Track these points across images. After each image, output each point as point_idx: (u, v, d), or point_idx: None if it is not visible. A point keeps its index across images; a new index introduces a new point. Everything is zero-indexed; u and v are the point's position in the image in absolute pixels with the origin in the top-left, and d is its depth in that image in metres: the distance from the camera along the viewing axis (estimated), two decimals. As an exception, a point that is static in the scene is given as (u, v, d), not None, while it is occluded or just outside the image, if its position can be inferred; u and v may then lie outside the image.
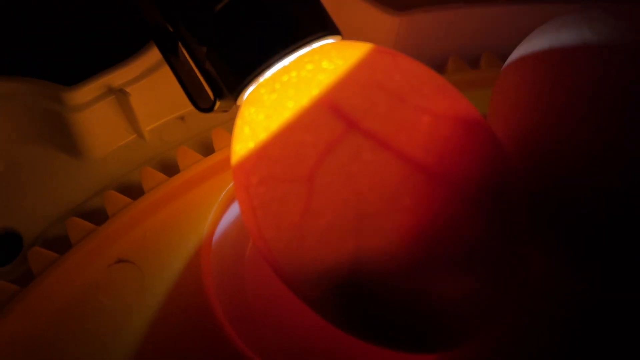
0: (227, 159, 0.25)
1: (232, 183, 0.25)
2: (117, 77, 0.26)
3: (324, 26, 0.18)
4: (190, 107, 0.27)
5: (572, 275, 0.21)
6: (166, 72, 0.25)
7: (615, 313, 0.22)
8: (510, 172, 0.17)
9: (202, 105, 0.20)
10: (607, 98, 0.17)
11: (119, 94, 0.26)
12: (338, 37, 0.19)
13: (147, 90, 0.27)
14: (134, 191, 0.26)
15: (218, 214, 0.25)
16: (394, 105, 0.16)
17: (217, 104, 0.20)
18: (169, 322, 0.22)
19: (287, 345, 0.23)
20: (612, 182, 0.17)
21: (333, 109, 0.16)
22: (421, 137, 0.16)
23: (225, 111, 0.20)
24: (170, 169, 0.27)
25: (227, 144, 0.26)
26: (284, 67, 0.18)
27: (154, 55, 0.26)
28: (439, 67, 0.30)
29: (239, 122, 0.18)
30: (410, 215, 0.15)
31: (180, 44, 0.20)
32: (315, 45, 0.18)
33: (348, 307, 0.16)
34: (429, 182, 0.15)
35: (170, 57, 0.20)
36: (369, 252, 0.15)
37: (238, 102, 0.19)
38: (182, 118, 0.29)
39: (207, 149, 0.27)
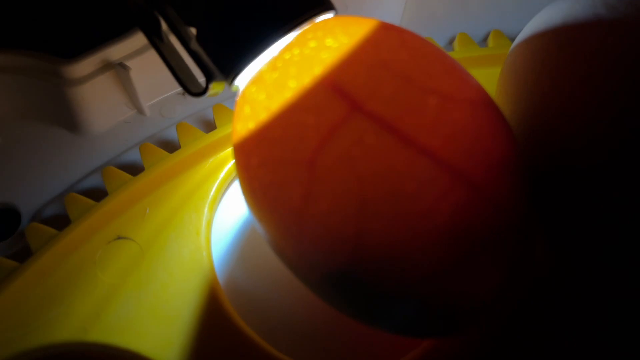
0: (229, 135, 0.25)
1: (233, 160, 0.24)
2: (117, 50, 0.25)
3: (322, 1, 0.18)
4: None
5: (575, 266, 0.21)
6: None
7: (614, 305, 0.22)
8: (519, 158, 0.17)
9: (194, 89, 0.19)
10: (623, 77, 0.17)
11: (119, 68, 0.25)
12: (335, 13, 0.18)
13: (148, 65, 0.26)
14: (133, 168, 0.26)
15: (219, 192, 0.24)
16: (400, 86, 0.15)
17: (210, 88, 0.19)
18: (170, 300, 0.22)
19: (289, 326, 0.22)
20: (627, 167, 0.17)
21: (336, 90, 0.16)
22: (427, 120, 0.15)
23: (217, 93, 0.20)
24: (170, 145, 0.26)
25: (229, 121, 0.25)
26: (287, 45, 0.17)
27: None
28: (447, 44, 0.30)
29: (239, 100, 0.18)
30: (413, 201, 0.15)
31: (167, 26, 0.19)
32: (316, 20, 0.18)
33: (348, 291, 0.16)
34: (433, 167, 0.15)
35: (156, 40, 0.20)
36: (370, 237, 0.15)
37: (234, 85, 0.18)
38: (183, 94, 0.28)
39: (208, 126, 0.26)
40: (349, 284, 0.16)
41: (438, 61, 0.17)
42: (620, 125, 0.16)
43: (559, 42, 0.18)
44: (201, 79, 0.19)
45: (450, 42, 0.29)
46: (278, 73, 0.17)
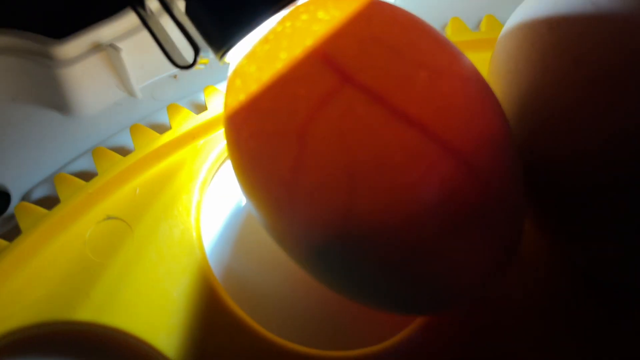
0: (220, 116, 0.25)
1: (224, 141, 0.24)
2: (108, 31, 0.25)
3: None
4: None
5: (566, 247, 0.21)
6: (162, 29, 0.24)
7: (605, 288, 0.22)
8: (509, 137, 0.17)
9: (181, 62, 0.19)
10: (613, 57, 0.17)
11: (110, 49, 0.25)
12: None
13: (140, 47, 0.26)
14: (124, 150, 0.26)
15: (210, 173, 0.24)
16: (391, 59, 0.16)
17: (197, 61, 0.19)
18: (159, 280, 0.22)
19: (279, 306, 0.22)
20: (614, 150, 0.16)
21: (327, 61, 0.16)
22: (416, 93, 0.15)
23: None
24: (162, 127, 0.26)
25: (220, 102, 0.25)
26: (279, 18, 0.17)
27: (148, 11, 0.25)
28: (439, 29, 0.30)
29: (231, 75, 0.18)
30: (401, 173, 0.15)
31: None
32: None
33: (338, 266, 0.16)
34: (422, 139, 0.15)
35: (141, 11, 0.19)
36: (359, 208, 0.15)
37: (224, 60, 0.18)
38: (175, 76, 0.28)
39: (200, 108, 0.26)
40: (338, 256, 0.16)
41: (430, 37, 0.17)
42: (611, 105, 0.16)
43: (549, 23, 0.18)
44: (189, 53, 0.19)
45: (443, 27, 0.29)
46: (269, 45, 0.17)
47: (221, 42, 0.18)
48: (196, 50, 0.18)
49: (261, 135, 0.16)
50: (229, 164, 0.25)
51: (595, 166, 0.17)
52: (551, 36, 0.18)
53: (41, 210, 0.23)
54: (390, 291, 0.16)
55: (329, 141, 0.15)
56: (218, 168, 0.25)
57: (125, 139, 0.26)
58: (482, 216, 0.16)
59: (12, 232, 0.24)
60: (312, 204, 0.15)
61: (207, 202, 0.24)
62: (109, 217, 0.23)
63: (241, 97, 0.17)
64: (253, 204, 0.17)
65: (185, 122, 0.25)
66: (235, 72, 0.17)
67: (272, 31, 0.17)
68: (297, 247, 0.17)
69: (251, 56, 0.17)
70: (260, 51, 0.17)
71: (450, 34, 0.28)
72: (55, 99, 0.27)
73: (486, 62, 0.22)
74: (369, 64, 0.15)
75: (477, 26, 0.29)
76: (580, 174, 0.18)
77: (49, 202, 0.24)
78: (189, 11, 0.18)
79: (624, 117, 0.16)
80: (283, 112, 0.16)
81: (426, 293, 0.17)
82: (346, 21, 0.16)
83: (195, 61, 0.19)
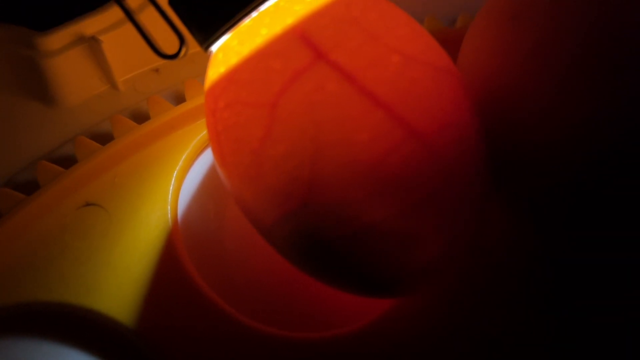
0: (198, 107, 0.25)
1: (203, 132, 0.25)
2: (91, 24, 0.26)
3: None
4: (165, 60, 0.27)
5: (533, 233, 0.22)
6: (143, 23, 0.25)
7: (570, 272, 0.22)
8: (476, 125, 0.17)
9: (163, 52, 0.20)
10: (570, 48, 0.17)
11: (92, 42, 0.26)
12: None
13: (122, 40, 0.26)
14: (105, 139, 0.26)
15: (188, 162, 0.25)
16: (366, 41, 0.16)
17: (184, 50, 0.20)
18: (135, 264, 0.22)
19: (254, 290, 0.23)
20: (575, 139, 0.17)
21: (304, 39, 0.16)
22: (387, 75, 0.16)
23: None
24: (144, 119, 0.27)
25: (199, 94, 0.26)
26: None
27: (130, 4, 0.26)
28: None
29: (216, 50, 0.18)
30: (365, 150, 0.15)
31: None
32: None
33: (298, 238, 0.17)
34: (387, 119, 0.15)
35: (124, 4, 0.20)
36: (323, 182, 0.15)
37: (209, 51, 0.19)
38: (156, 70, 0.29)
39: (180, 100, 0.27)
40: (299, 228, 0.16)
41: (407, 26, 0.18)
42: (567, 94, 0.17)
43: (513, 14, 0.19)
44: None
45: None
46: (252, 21, 0.17)
47: (206, 33, 0.18)
48: (181, 40, 0.18)
49: (236, 105, 0.17)
50: (207, 154, 0.25)
51: (557, 156, 0.18)
52: (513, 27, 0.19)
53: (21, 196, 0.23)
54: (346, 268, 0.17)
55: (298, 114, 0.16)
56: (197, 157, 0.25)
57: (107, 129, 0.27)
58: (440, 200, 0.16)
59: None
60: (277, 174, 0.16)
61: (185, 190, 0.25)
62: (88, 204, 0.23)
63: (221, 69, 0.17)
64: (224, 173, 0.18)
65: (164, 113, 0.25)
66: (220, 47, 0.18)
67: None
68: (263, 216, 0.17)
69: (234, 32, 0.18)
70: (243, 27, 0.17)
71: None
72: (39, 89, 0.27)
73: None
74: (343, 44, 0.16)
75: (452, 24, 0.30)
76: (542, 164, 0.18)
77: (30, 187, 0.25)
78: (172, 2, 0.19)
79: (584, 106, 0.17)
80: (258, 84, 0.16)
81: (380, 272, 0.17)
82: (327, 3, 0.17)
83: (179, 51, 0.20)
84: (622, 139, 0.16)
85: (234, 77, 0.17)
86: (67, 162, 0.26)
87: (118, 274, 0.22)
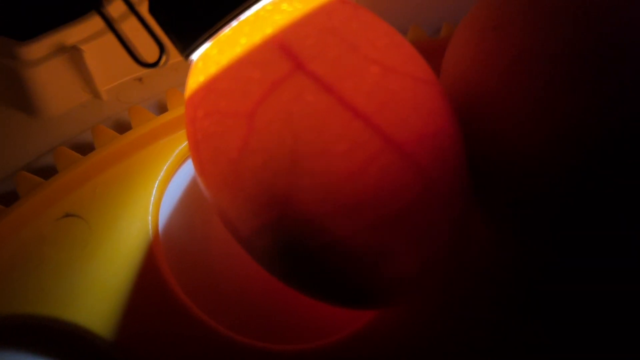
0: (180, 117, 0.25)
1: (185, 142, 0.25)
2: (72, 34, 0.26)
3: None
4: (148, 69, 0.27)
5: (514, 243, 0.22)
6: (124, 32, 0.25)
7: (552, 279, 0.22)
8: (456, 136, 0.17)
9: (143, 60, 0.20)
10: (550, 58, 0.17)
11: (73, 51, 0.26)
12: None
13: (104, 49, 0.26)
14: (86, 149, 0.26)
15: (170, 173, 0.25)
16: (345, 52, 0.16)
17: (164, 59, 0.19)
18: (114, 276, 0.22)
19: (235, 302, 0.23)
20: (556, 148, 0.17)
21: (283, 49, 0.16)
22: (366, 86, 0.16)
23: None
24: (125, 128, 0.26)
25: (181, 104, 0.26)
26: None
27: (111, 13, 0.26)
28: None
29: (196, 59, 0.18)
30: (342, 161, 0.15)
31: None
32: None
33: (276, 248, 0.16)
34: (366, 130, 0.15)
35: (105, 14, 0.20)
36: (300, 193, 0.15)
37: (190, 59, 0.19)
38: (139, 79, 0.28)
39: (163, 110, 0.27)
40: (277, 238, 0.16)
41: (387, 37, 0.18)
42: (549, 103, 0.17)
43: (494, 25, 0.19)
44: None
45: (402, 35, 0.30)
46: (232, 31, 0.17)
47: (186, 41, 0.18)
48: (161, 48, 0.18)
49: (215, 115, 0.17)
50: (189, 164, 0.25)
51: (539, 165, 0.18)
52: (494, 37, 0.19)
53: (0, 207, 0.23)
54: (323, 280, 0.17)
55: (276, 124, 0.16)
56: (178, 168, 0.25)
57: (89, 139, 0.26)
58: (419, 211, 0.16)
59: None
60: (255, 184, 0.16)
61: (166, 201, 0.24)
62: (67, 215, 0.23)
63: (201, 78, 0.17)
64: (203, 183, 0.18)
65: (146, 123, 0.25)
66: (200, 55, 0.18)
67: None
68: (239, 226, 0.17)
69: (215, 40, 0.18)
70: (223, 36, 0.17)
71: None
72: (20, 99, 0.27)
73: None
74: (322, 54, 0.16)
75: (436, 33, 0.30)
76: (524, 173, 0.18)
77: (9, 197, 0.24)
78: (153, 11, 0.19)
79: (565, 115, 0.17)
80: (236, 94, 0.16)
81: (358, 284, 0.17)
82: (307, 13, 0.17)
83: (160, 59, 0.20)
84: (605, 146, 0.16)
85: (213, 86, 0.17)
86: (48, 172, 0.25)
87: (97, 286, 0.22)
